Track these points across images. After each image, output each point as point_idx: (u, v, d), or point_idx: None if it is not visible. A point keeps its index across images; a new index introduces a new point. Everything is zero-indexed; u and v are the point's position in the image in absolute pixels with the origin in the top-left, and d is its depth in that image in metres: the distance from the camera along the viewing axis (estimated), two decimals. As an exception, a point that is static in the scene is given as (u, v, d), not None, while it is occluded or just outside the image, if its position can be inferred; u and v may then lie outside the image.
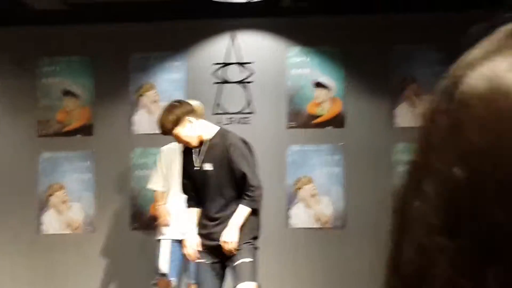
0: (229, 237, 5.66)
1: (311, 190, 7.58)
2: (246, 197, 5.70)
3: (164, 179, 6.78)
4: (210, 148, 5.71)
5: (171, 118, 5.51)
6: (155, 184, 6.75)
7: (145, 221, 7.50)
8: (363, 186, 7.54)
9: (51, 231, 7.65)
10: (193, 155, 5.75)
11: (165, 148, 6.73)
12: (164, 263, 6.73)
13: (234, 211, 5.70)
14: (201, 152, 5.73)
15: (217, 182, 5.71)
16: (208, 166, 5.70)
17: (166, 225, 6.70)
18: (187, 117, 5.60)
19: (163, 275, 6.72)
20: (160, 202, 6.80)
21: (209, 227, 5.76)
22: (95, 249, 7.62)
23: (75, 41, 7.66)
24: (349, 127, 7.59)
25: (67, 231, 7.66)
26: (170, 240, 6.74)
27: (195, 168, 5.74)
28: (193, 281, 6.50)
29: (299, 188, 7.60)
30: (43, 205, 7.67)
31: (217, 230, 5.64)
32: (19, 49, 7.70)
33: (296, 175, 7.56)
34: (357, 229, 7.54)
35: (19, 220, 7.61)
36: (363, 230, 7.49)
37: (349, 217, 7.58)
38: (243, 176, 5.66)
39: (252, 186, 5.72)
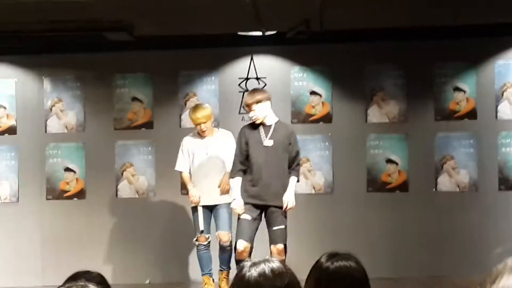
0: (291, 200, 6.52)
1: (308, 166, 8.46)
2: (296, 171, 6.64)
3: (186, 162, 7.36)
4: (275, 130, 6.53)
5: (257, 97, 6.44)
6: (180, 166, 7.40)
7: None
8: (345, 164, 8.49)
9: (124, 196, 8.60)
10: (261, 133, 6.52)
11: (186, 137, 7.41)
12: (201, 224, 7.28)
13: (282, 180, 6.50)
14: (265, 131, 6.51)
15: (274, 156, 6.47)
16: (269, 143, 6.47)
17: (196, 203, 7.25)
18: (265, 101, 6.48)
19: (202, 232, 7.28)
20: (188, 185, 7.36)
21: (260, 190, 6.49)
22: (156, 209, 8.53)
23: (139, 63, 8.58)
24: (335, 122, 8.51)
25: (136, 196, 8.61)
26: (201, 207, 7.32)
27: (260, 142, 6.47)
28: (224, 231, 7.20)
29: (300, 166, 8.00)
30: (118, 177, 8.59)
31: (268, 192, 6.48)
32: (100, 68, 8.60)
33: None
34: (342, 194, 8.49)
35: (103, 188, 8.59)
36: (346, 194, 8.48)
37: (335, 185, 8.51)
38: (296, 155, 6.57)
39: (299, 164, 6.74)
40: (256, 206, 6.52)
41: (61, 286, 2.50)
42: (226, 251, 7.25)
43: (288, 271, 2.04)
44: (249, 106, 6.46)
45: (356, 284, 2.56)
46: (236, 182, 6.62)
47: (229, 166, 6.93)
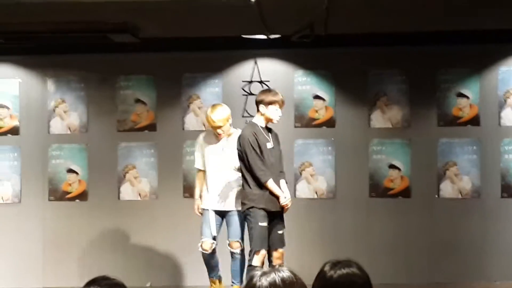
0: (289, 202, 6.62)
1: (311, 171, 8.43)
2: (284, 173, 6.78)
3: (200, 161, 7.24)
4: (271, 132, 6.70)
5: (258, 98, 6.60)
6: (197, 164, 7.29)
7: (193, 192, 7.75)
8: (348, 169, 8.43)
9: (126, 198, 8.52)
10: (265, 135, 6.57)
11: (200, 136, 7.33)
12: (207, 228, 7.05)
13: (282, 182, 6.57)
14: (266, 133, 6.60)
15: (276, 157, 6.63)
16: (271, 145, 6.59)
17: (198, 214, 7.14)
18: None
19: (214, 238, 7.06)
20: (195, 191, 7.30)
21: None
22: (158, 212, 8.47)
23: (143, 65, 8.52)
24: (338, 127, 8.44)
25: (138, 198, 8.53)
26: (209, 210, 7.09)
27: (265, 145, 6.53)
28: (235, 239, 7.00)
29: (303, 170, 8.43)
30: (121, 180, 8.52)
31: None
32: (104, 70, 8.56)
33: (300, 161, 8.40)
34: (344, 199, 8.42)
35: (105, 190, 8.52)
36: (348, 200, 8.42)
37: (338, 190, 8.43)
38: (282, 157, 6.74)
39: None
40: (269, 212, 6.51)
41: None
42: (237, 261, 7.03)
43: (298, 280, 2.02)
44: (282, 105, 6.58)
45: None
46: (272, 183, 6.53)
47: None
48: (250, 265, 6.46)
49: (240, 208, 6.75)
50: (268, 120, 6.61)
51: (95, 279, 3.06)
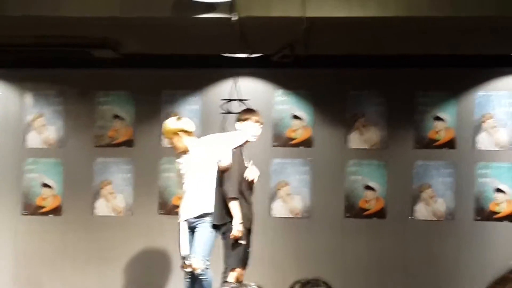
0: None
1: (287, 190, 8.42)
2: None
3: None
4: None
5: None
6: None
7: (169, 208, 8.26)
8: (324, 189, 8.40)
9: (101, 214, 8.45)
10: (243, 153, 6.51)
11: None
12: (184, 245, 6.52)
13: None
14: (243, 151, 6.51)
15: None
16: (248, 164, 6.51)
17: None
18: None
19: (184, 257, 6.51)
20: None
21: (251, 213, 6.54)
22: (133, 228, 8.39)
23: (122, 80, 8.46)
24: (315, 147, 8.41)
25: (113, 214, 8.46)
26: (183, 221, 6.58)
27: (244, 163, 6.44)
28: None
29: (279, 189, 8.42)
30: (96, 195, 8.44)
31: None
32: (83, 84, 8.50)
33: (277, 180, 8.40)
34: (319, 219, 8.38)
35: (80, 205, 8.43)
36: (323, 219, 8.38)
37: (314, 210, 8.40)
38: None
39: None
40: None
41: None
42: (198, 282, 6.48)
43: None
44: (262, 123, 6.56)
45: None
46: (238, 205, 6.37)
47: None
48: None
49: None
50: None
51: None
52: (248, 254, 6.45)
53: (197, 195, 6.52)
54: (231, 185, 6.32)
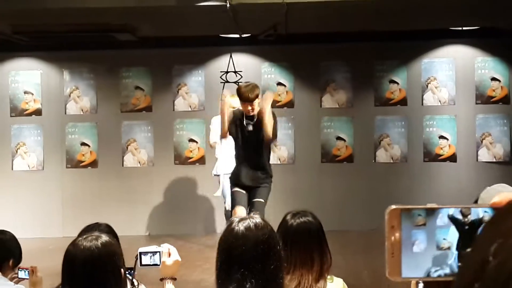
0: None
1: (275, 142, 7.82)
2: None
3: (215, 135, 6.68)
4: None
5: (258, 92, 5.35)
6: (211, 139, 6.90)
7: (183, 159, 8.34)
8: (304, 141, 8.42)
9: (129, 165, 8.46)
10: (245, 121, 5.48)
11: (214, 117, 7.06)
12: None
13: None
14: (251, 120, 5.49)
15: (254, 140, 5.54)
16: (251, 128, 5.51)
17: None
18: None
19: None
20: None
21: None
22: (154, 176, 8.36)
23: (141, 58, 8.39)
24: (297, 107, 8.43)
25: (138, 165, 8.46)
26: (221, 175, 6.73)
27: (248, 129, 5.50)
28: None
29: None
30: (124, 151, 8.45)
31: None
32: (109, 63, 8.43)
33: None
34: (301, 164, 8.44)
35: (111, 159, 8.43)
36: (305, 165, 8.43)
37: (296, 158, 8.45)
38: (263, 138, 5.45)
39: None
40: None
41: (78, 236, 2.46)
42: None
43: (268, 226, 2.00)
44: (252, 100, 5.28)
45: (313, 235, 2.65)
46: None
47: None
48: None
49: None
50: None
51: (88, 226, 3.05)
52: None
53: None
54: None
